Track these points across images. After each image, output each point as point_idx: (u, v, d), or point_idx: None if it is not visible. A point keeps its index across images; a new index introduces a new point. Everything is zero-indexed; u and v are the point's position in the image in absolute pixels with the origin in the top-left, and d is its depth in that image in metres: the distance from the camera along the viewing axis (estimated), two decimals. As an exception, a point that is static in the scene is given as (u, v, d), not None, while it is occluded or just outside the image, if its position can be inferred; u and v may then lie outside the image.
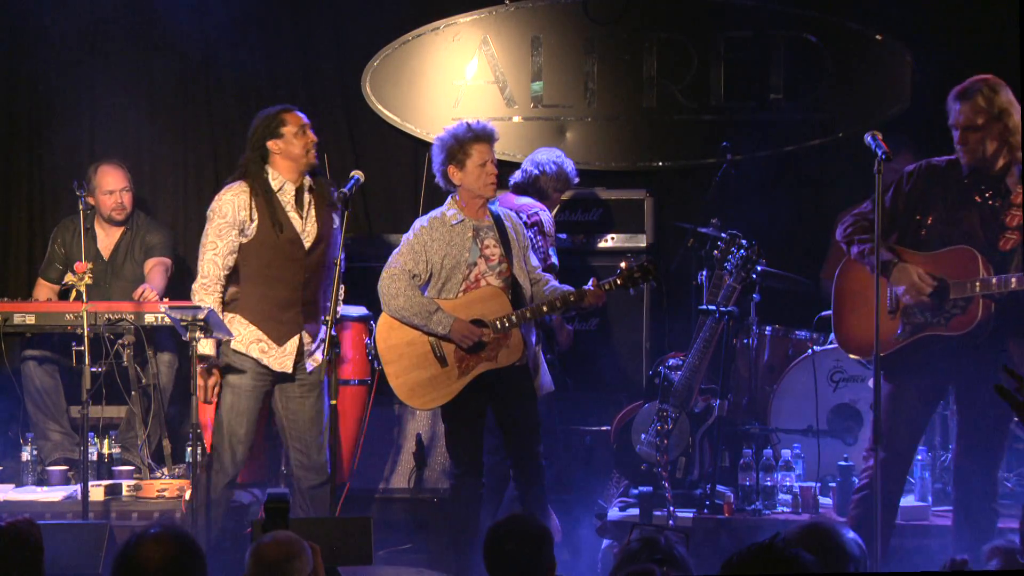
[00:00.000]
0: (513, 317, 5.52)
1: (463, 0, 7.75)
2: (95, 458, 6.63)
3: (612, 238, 7.31)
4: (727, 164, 6.91)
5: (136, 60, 7.76)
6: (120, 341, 6.45)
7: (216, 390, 5.49)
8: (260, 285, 5.50)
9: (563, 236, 7.13)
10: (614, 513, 6.18)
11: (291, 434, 5.60)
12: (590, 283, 5.57)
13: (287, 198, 5.48)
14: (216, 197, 5.53)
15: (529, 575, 3.73)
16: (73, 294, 6.55)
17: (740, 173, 7.03)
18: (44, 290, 7.04)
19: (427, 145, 7.69)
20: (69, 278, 5.98)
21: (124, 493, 6.38)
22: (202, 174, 7.84)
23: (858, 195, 5.96)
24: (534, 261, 5.77)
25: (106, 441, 6.74)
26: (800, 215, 7.38)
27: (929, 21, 7.35)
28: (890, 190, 5.42)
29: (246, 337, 5.50)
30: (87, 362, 5.77)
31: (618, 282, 5.62)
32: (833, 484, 6.17)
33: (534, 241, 6.08)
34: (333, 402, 5.32)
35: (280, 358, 5.50)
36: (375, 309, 5.86)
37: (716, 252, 6.25)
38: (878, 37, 7.50)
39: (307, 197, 5.53)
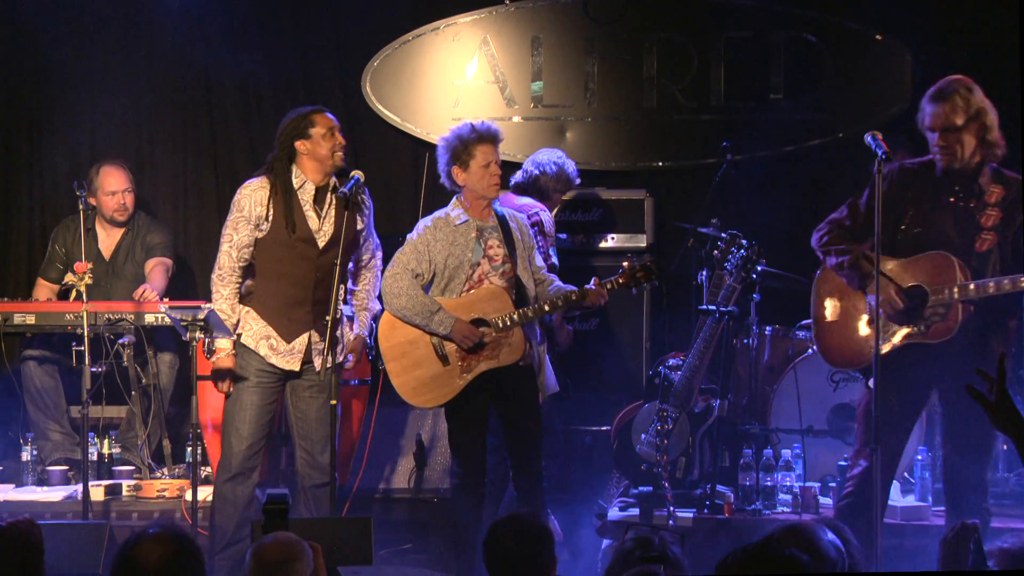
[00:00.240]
0: (515, 316, 5.52)
1: (463, 0, 7.75)
2: (95, 458, 6.63)
3: (612, 238, 7.31)
4: (727, 164, 6.91)
5: (136, 60, 7.76)
6: (121, 341, 6.46)
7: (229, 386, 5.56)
8: (272, 281, 5.53)
9: (563, 236, 7.13)
10: (614, 513, 6.18)
11: (298, 432, 5.62)
12: (592, 282, 5.57)
13: (307, 197, 5.50)
14: (238, 190, 5.56)
15: (528, 573, 3.73)
16: (73, 294, 6.55)
17: (740, 173, 7.03)
18: (44, 290, 7.04)
19: (427, 145, 7.72)
20: (69, 278, 5.98)
21: (124, 493, 6.39)
22: (202, 174, 7.84)
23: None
24: (539, 261, 5.77)
25: (106, 441, 6.74)
26: (800, 215, 7.35)
27: (929, 21, 7.34)
28: (864, 194, 5.42)
29: (257, 333, 5.52)
30: (87, 362, 5.78)
31: (620, 281, 5.61)
32: (833, 484, 6.17)
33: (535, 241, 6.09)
34: (333, 402, 5.34)
35: (288, 356, 5.52)
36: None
37: (716, 252, 6.26)
38: (878, 37, 7.50)
39: (329, 197, 5.54)
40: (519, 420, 5.64)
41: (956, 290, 5.09)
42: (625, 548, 3.50)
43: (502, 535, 3.80)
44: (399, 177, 7.79)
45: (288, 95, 7.70)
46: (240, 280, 5.56)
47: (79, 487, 6.01)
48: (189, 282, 7.62)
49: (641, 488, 6.08)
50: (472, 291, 5.57)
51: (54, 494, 6.36)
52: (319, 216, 5.51)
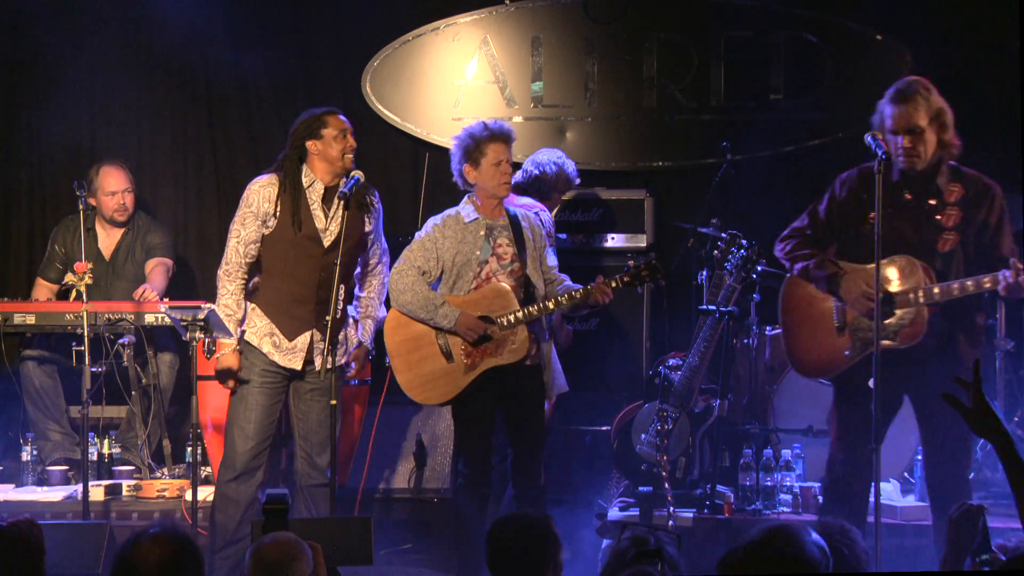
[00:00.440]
0: (519, 314, 5.53)
1: (463, 0, 7.75)
2: (95, 458, 6.64)
3: (612, 238, 7.31)
4: (727, 164, 6.91)
5: (136, 60, 7.76)
6: (121, 341, 6.46)
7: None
8: (276, 278, 5.55)
9: (563, 236, 7.13)
10: (614, 513, 6.18)
11: (299, 432, 5.63)
12: (597, 280, 5.58)
13: (315, 196, 5.51)
14: (247, 187, 5.57)
15: (531, 572, 3.73)
16: (73, 294, 6.55)
17: (740, 173, 7.03)
18: (43, 290, 7.05)
19: (427, 145, 7.74)
20: (69, 278, 5.99)
21: (124, 493, 6.40)
22: (202, 174, 7.84)
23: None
24: (551, 261, 5.79)
25: (106, 441, 6.75)
26: (800, 215, 7.37)
27: (929, 21, 7.34)
28: (824, 200, 5.40)
29: (260, 330, 5.53)
30: (87, 362, 5.78)
31: (626, 279, 5.61)
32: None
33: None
34: (333, 403, 5.34)
35: (290, 354, 5.53)
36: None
37: (716, 252, 6.26)
38: (878, 37, 7.50)
39: (337, 198, 5.55)
40: (522, 419, 5.65)
41: (921, 295, 5.09)
42: (620, 548, 3.51)
43: (505, 533, 3.81)
44: (399, 177, 7.79)
45: (288, 95, 7.71)
46: (246, 276, 5.57)
47: (79, 487, 6.01)
48: (189, 282, 7.62)
49: (641, 488, 6.08)
50: (478, 289, 5.59)
51: (54, 494, 6.37)
52: (326, 216, 5.52)
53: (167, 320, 6.32)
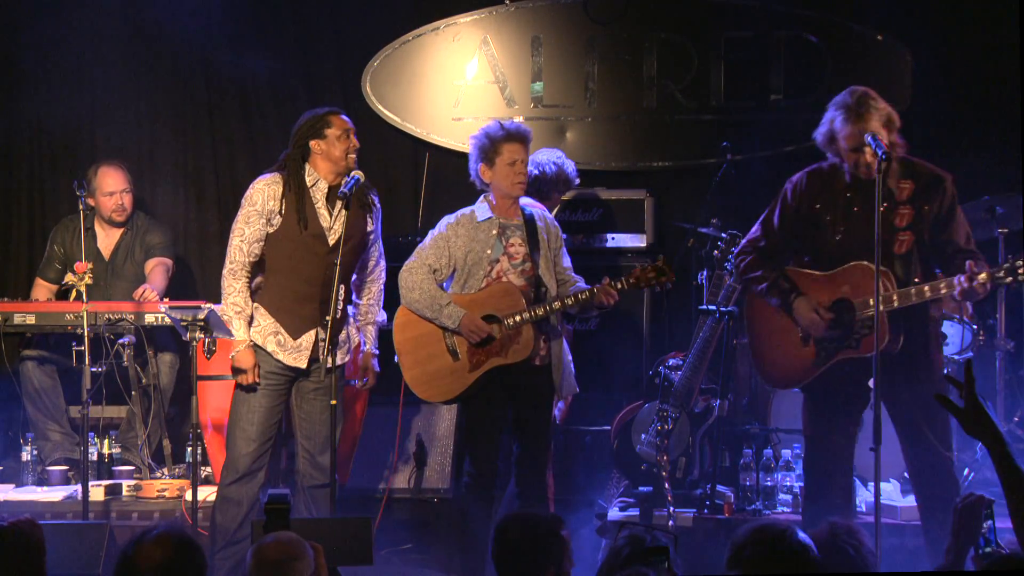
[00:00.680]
0: (525, 314, 5.54)
1: (463, 0, 7.75)
2: (95, 458, 6.64)
3: (612, 238, 7.31)
4: (727, 164, 6.91)
5: (136, 60, 7.76)
6: (121, 341, 6.46)
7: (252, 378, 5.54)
8: (281, 276, 5.55)
9: (564, 236, 7.11)
10: (614, 513, 6.18)
11: (301, 432, 5.63)
12: (603, 281, 5.58)
13: (319, 195, 5.53)
14: (250, 186, 5.57)
15: (532, 571, 3.74)
16: (73, 294, 6.55)
17: (740, 173, 7.03)
18: (42, 290, 7.04)
19: (427, 145, 7.74)
20: (69, 278, 5.98)
21: (124, 493, 6.39)
22: (202, 174, 7.84)
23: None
24: (566, 262, 5.79)
25: (106, 441, 6.74)
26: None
27: (929, 21, 7.34)
28: (776, 208, 5.39)
29: (265, 329, 5.53)
30: (87, 362, 5.78)
31: (631, 281, 5.61)
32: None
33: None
34: (333, 402, 5.34)
35: (295, 352, 5.53)
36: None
37: (716, 252, 6.26)
38: (878, 37, 7.50)
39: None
40: (528, 418, 5.66)
41: (881, 302, 5.07)
42: (616, 546, 3.51)
43: (511, 529, 3.82)
44: (399, 177, 7.79)
45: (288, 95, 7.71)
46: (250, 275, 5.57)
47: (79, 487, 6.01)
48: (189, 282, 7.62)
49: (641, 488, 6.08)
50: (487, 287, 5.60)
51: (54, 494, 6.36)
52: (331, 214, 5.53)
53: (167, 320, 6.32)
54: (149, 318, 6.50)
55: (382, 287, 5.78)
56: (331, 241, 5.51)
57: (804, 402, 5.47)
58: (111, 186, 6.97)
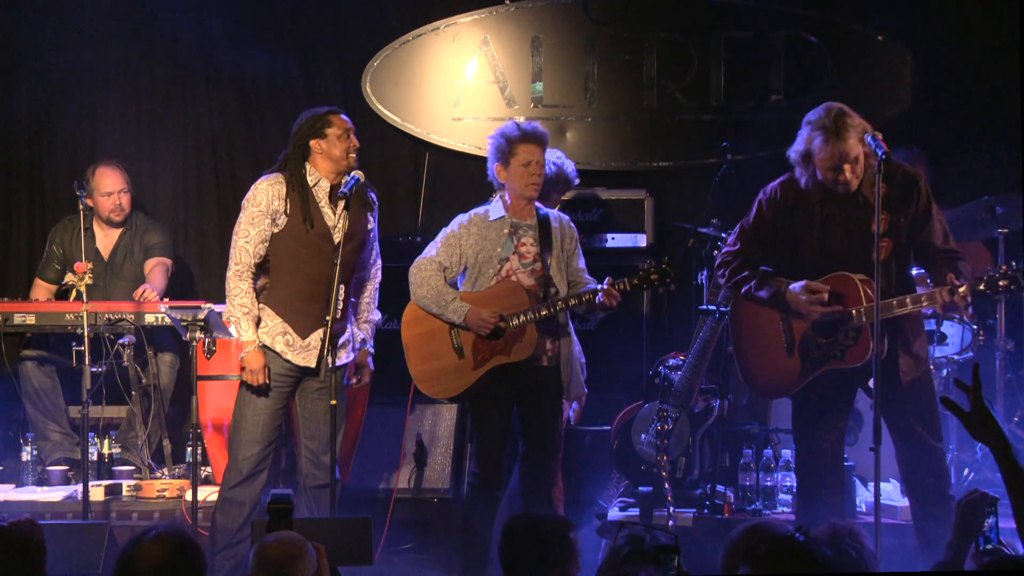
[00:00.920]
0: (529, 314, 5.55)
1: (463, 0, 7.75)
2: (95, 458, 6.63)
3: (612, 238, 7.31)
4: (727, 164, 6.91)
5: (136, 60, 7.76)
6: (121, 341, 6.46)
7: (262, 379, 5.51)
8: (287, 276, 5.54)
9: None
10: (614, 513, 6.19)
11: (304, 432, 5.62)
12: (605, 282, 5.58)
13: (321, 194, 5.53)
14: (252, 186, 5.57)
15: (535, 571, 3.74)
16: (73, 294, 6.55)
17: (740, 173, 7.02)
18: (41, 290, 7.04)
19: (427, 145, 7.74)
20: (69, 278, 5.98)
21: (124, 493, 6.40)
22: (202, 174, 7.84)
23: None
24: (580, 264, 5.80)
25: (106, 441, 6.74)
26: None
27: (929, 21, 7.34)
28: (752, 219, 5.40)
29: (273, 329, 5.52)
30: (87, 362, 5.78)
31: (634, 282, 5.61)
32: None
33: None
34: (333, 402, 5.34)
35: (304, 352, 5.52)
36: (379, 309, 5.88)
37: (716, 252, 6.25)
38: (878, 37, 7.50)
39: None
40: (535, 418, 5.68)
41: (863, 313, 5.09)
42: (616, 546, 3.51)
43: (518, 529, 3.82)
44: (399, 177, 7.79)
45: (288, 95, 7.71)
46: (255, 276, 5.56)
47: (79, 487, 6.01)
48: (189, 282, 7.62)
49: (641, 488, 6.08)
50: (494, 285, 5.61)
51: (54, 494, 6.36)
52: (334, 213, 5.54)
53: (167, 320, 6.32)
54: (149, 318, 6.50)
55: (378, 285, 5.78)
56: (336, 239, 5.51)
57: (792, 405, 5.52)
58: (109, 186, 6.97)
